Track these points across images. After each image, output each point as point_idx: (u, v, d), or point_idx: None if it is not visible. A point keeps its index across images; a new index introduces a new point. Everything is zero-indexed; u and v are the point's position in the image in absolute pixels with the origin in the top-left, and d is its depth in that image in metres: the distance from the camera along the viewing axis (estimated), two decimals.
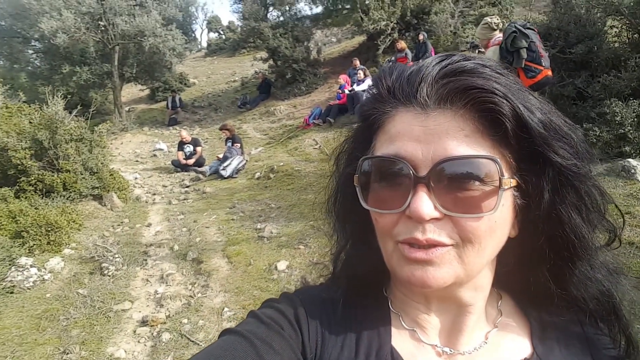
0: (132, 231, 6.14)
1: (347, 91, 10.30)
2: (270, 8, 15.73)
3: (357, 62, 11.68)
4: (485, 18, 4.84)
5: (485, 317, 0.60)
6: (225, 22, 33.83)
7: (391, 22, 12.23)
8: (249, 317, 0.60)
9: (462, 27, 11.29)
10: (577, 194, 0.51)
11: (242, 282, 4.28)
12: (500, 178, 0.47)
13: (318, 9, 16.09)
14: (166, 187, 8.67)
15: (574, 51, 4.49)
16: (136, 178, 9.16)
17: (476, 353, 0.57)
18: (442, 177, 0.47)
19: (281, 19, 15.17)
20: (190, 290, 4.35)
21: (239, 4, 16.39)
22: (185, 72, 19.92)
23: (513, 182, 0.49)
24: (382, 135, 0.54)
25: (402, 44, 11.40)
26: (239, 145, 9.14)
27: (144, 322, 3.83)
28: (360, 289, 0.62)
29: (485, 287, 0.57)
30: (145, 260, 5.11)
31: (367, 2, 12.11)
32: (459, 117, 0.48)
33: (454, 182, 0.47)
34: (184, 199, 7.56)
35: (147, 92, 18.54)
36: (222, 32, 31.99)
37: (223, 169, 8.37)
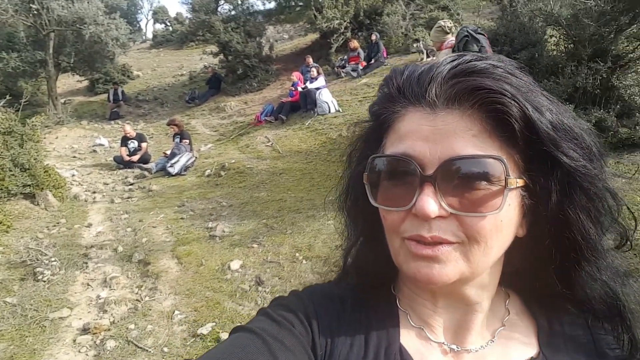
0: (70, 232, 5.69)
1: (300, 89, 10.24)
2: (222, 1, 15.33)
3: (310, 60, 11.67)
4: (439, 22, 4.97)
5: (493, 316, 0.60)
6: (172, 14, 32.56)
7: (344, 22, 12.33)
8: (259, 315, 0.60)
9: (413, 29, 11.61)
10: (586, 196, 0.51)
11: (193, 284, 4.09)
12: (506, 178, 0.47)
13: (271, 5, 15.90)
14: (108, 184, 8.14)
15: (518, 57, 4.75)
16: (74, 175, 8.50)
17: (483, 351, 0.58)
18: (449, 176, 0.48)
19: (233, 13, 14.83)
20: (137, 293, 4.09)
21: None
22: (129, 64, 18.90)
23: (520, 182, 0.49)
24: (392, 134, 0.55)
25: (355, 43, 11.54)
26: (187, 141, 8.79)
27: (85, 330, 3.54)
28: (370, 286, 0.63)
29: (491, 286, 0.57)
30: (86, 263, 4.75)
31: (320, 0, 12.11)
32: (467, 117, 0.49)
33: (460, 181, 0.48)
34: (128, 198, 7.14)
35: (85, 83, 17.38)
36: (169, 24, 30.78)
37: (171, 166, 8.01)
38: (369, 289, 0.63)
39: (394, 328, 0.59)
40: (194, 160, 8.48)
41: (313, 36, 15.75)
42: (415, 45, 10.55)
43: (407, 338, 0.58)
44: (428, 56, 10.11)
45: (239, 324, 0.61)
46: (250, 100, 12.42)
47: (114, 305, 3.90)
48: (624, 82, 4.64)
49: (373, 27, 12.43)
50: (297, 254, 4.28)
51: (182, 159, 8.14)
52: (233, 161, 7.88)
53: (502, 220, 0.49)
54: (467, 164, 0.48)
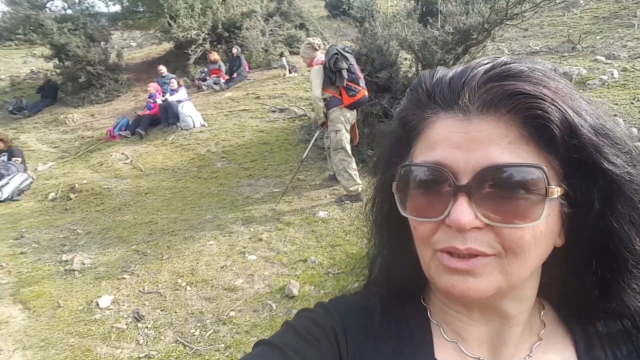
0: None
1: (159, 101, 9.52)
2: None
3: (164, 70, 10.98)
4: (307, 39, 5.20)
5: (529, 329, 0.58)
6: None
7: (202, 32, 11.93)
8: (283, 327, 0.58)
9: (273, 45, 11.88)
10: (630, 204, 0.48)
11: (50, 332, 3.41)
12: (547, 187, 0.45)
13: (116, 8, 14.40)
14: None
15: (379, 76, 5.27)
16: None
17: None
18: (484, 185, 0.46)
19: (69, 11, 13.01)
20: None
21: None
22: None
23: (560, 191, 0.47)
24: (422, 141, 0.52)
25: (215, 56, 11.27)
26: (19, 159, 7.34)
27: None
28: (398, 297, 0.61)
29: (529, 298, 0.55)
30: None
31: (175, 9, 11.50)
32: (502, 123, 0.46)
33: (496, 191, 0.46)
34: None
35: None
36: None
37: None
38: (397, 301, 0.61)
39: (427, 342, 0.57)
40: (31, 182, 7.11)
41: (167, 45, 14.81)
42: (279, 59, 10.81)
43: (442, 352, 0.56)
44: (290, 72, 10.49)
45: (261, 338, 0.59)
46: (97, 112, 11.01)
47: None
48: None
49: (233, 40, 12.33)
50: (179, 280, 3.93)
51: (14, 181, 6.75)
52: (85, 181, 6.85)
53: (541, 231, 0.47)
54: (504, 173, 0.45)
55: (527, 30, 8.85)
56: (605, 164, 0.46)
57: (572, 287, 0.56)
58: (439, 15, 5.27)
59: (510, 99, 0.46)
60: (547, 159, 0.47)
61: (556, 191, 0.46)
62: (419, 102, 0.53)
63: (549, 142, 0.46)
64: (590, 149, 0.46)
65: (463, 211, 0.45)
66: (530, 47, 8.60)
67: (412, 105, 0.54)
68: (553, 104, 0.45)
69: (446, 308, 0.58)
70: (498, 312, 0.54)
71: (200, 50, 12.05)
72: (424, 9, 7.78)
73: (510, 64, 0.48)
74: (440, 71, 0.53)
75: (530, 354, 0.56)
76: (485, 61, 0.50)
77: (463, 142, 0.47)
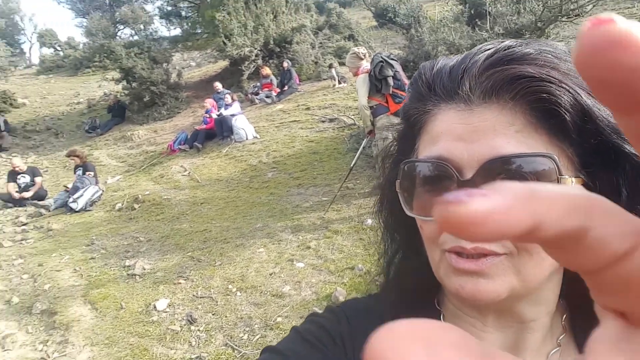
0: None
1: (214, 115, 10.00)
2: (121, 26, 14.55)
3: (219, 86, 11.52)
4: (352, 48, 5.26)
5: (550, 334, 0.53)
6: (63, 38, 29.98)
7: (255, 49, 12.42)
8: (290, 333, 0.57)
9: (322, 57, 12.09)
10: None
11: (113, 331, 3.65)
12: (558, 178, 0.41)
13: (176, 31, 15.46)
14: None
15: None
16: None
17: None
18: (490, 178, 0.42)
19: (135, 38, 14.15)
20: (42, 350, 3.54)
21: (83, 17, 14.74)
22: (11, 90, 16.83)
23: (576, 182, 0.43)
24: (425, 136, 0.50)
25: (266, 71, 11.67)
26: (92, 173, 8.00)
27: None
28: (411, 301, 0.57)
29: (550, 301, 0.51)
30: None
31: (230, 28, 12.09)
32: (507, 110, 0.43)
33: None
34: (22, 240, 6.22)
35: None
36: (59, 48, 28.21)
37: (73, 202, 7.19)
38: (409, 305, 0.57)
39: None
40: (101, 194, 7.73)
41: (223, 63, 15.58)
42: (329, 71, 10.97)
43: None
44: (339, 83, 10.60)
45: (269, 344, 0.58)
46: (160, 128, 11.78)
47: None
48: None
49: (284, 54, 12.71)
50: (229, 286, 4.07)
51: (87, 193, 7.36)
52: (147, 193, 7.33)
53: None
54: (511, 164, 0.42)
55: None
56: (628, 147, 0.42)
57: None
58: (488, 17, 5.09)
59: (513, 83, 0.43)
60: (559, 147, 0.43)
61: (570, 182, 0.42)
62: (419, 94, 0.50)
63: (560, 128, 0.43)
64: (608, 132, 0.42)
65: None
66: None
67: (413, 98, 0.52)
68: (562, 86, 0.42)
69: (460, 312, 0.54)
70: (515, 316, 0.50)
71: (253, 66, 12.54)
72: (472, 12, 7.55)
73: (514, 47, 0.45)
74: (442, 61, 0.51)
75: None
76: (488, 46, 0.47)
77: (466, 133, 0.44)
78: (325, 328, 0.56)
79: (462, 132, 0.45)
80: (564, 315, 0.55)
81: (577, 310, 0.55)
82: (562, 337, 0.53)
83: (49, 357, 3.44)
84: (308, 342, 0.54)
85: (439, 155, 0.46)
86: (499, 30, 4.74)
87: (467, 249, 0.44)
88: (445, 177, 0.45)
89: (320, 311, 0.62)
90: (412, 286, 0.57)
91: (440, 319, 0.55)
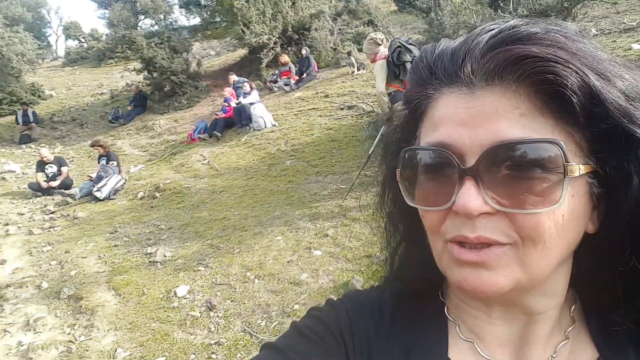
0: None
1: (233, 104, 10.05)
2: (142, 16, 14.69)
3: (234, 77, 11.53)
4: (369, 34, 5.14)
5: (558, 326, 0.51)
6: (87, 29, 30.56)
7: (273, 37, 12.36)
8: (290, 329, 0.57)
9: (341, 44, 11.94)
10: None
11: (136, 316, 3.75)
12: (565, 164, 0.39)
13: (195, 20, 15.52)
14: (23, 215, 7.30)
15: None
16: None
17: None
18: (493, 166, 0.40)
19: (155, 28, 14.28)
20: (70, 334, 3.66)
21: (106, 9, 14.94)
22: (39, 83, 17.32)
23: (584, 169, 0.41)
24: (427, 122, 0.47)
25: (285, 58, 11.62)
26: (115, 163, 8.19)
27: None
28: (415, 292, 0.56)
29: (559, 293, 0.49)
30: (1, 306, 4.18)
31: (248, 16, 12.05)
32: (510, 93, 0.41)
33: (507, 172, 0.40)
34: (50, 227, 6.44)
35: None
36: (83, 40, 28.79)
37: (98, 190, 7.39)
38: (412, 297, 0.56)
39: (441, 340, 0.52)
40: (124, 183, 7.91)
41: (242, 52, 15.60)
42: (347, 58, 10.85)
43: (456, 352, 0.51)
44: (358, 69, 10.46)
45: (268, 340, 0.59)
46: (180, 117, 11.93)
47: (40, 351, 3.45)
48: None
49: (302, 42, 12.62)
50: (248, 274, 4.11)
51: (111, 182, 7.55)
52: (168, 181, 7.46)
53: (564, 216, 0.41)
54: (515, 150, 0.40)
55: (616, 4, 7.86)
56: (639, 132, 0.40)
57: (601, 282, 0.48)
58: None
59: (517, 64, 0.40)
60: (567, 132, 0.41)
61: (577, 169, 0.40)
62: (420, 79, 0.48)
63: (567, 111, 0.40)
64: (617, 116, 0.40)
65: (470, 195, 0.40)
66: (625, 23, 7.66)
67: (414, 83, 0.49)
68: (568, 67, 0.39)
69: (463, 304, 0.53)
70: (522, 309, 0.48)
71: (272, 54, 12.51)
72: None
73: (520, 26, 0.43)
74: (444, 43, 0.48)
75: (554, 355, 0.50)
76: (493, 26, 0.44)
77: (468, 118, 0.42)
78: (325, 322, 0.55)
79: (464, 117, 0.42)
80: (573, 307, 0.52)
81: (588, 302, 0.52)
82: (570, 329, 0.51)
83: (76, 340, 3.56)
84: (307, 337, 0.53)
85: (439, 142, 0.44)
86: (523, 11, 4.55)
87: (469, 238, 0.42)
88: (446, 164, 0.43)
89: (321, 305, 0.61)
90: (416, 278, 0.56)
91: (444, 311, 0.54)
